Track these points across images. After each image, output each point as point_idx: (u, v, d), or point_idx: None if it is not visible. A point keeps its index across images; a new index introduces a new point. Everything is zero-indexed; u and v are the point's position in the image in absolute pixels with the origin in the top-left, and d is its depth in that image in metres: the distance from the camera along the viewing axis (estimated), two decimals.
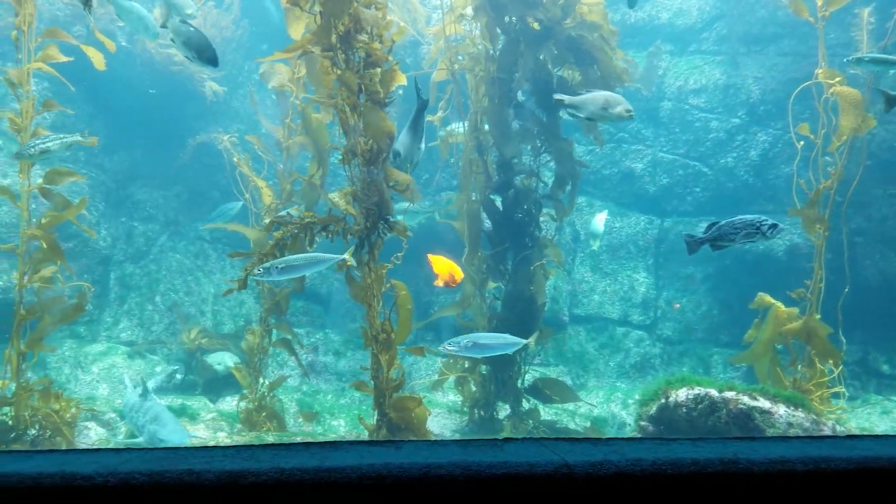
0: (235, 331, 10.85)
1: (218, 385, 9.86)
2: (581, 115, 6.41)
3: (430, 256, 7.26)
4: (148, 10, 6.37)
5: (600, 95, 6.41)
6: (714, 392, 6.76)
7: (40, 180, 6.22)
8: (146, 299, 11.20)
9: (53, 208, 6.19)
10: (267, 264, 5.80)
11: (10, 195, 6.24)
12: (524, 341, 6.73)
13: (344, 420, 9.25)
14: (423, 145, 6.19)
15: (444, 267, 7.10)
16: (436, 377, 8.77)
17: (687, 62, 12.05)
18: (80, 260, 10.37)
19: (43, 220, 6.16)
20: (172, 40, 5.63)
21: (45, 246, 5.98)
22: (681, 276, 11.53)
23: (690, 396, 6.76)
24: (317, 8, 5.68)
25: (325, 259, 5.95)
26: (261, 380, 8.25)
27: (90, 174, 10.94)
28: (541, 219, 8.53)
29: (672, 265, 11.59)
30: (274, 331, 8.38)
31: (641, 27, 12.29)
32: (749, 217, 5.72)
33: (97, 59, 6.40)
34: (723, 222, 5.76)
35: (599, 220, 10.24)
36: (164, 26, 5.73)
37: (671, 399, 6.83)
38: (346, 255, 5.92)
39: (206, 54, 5.60)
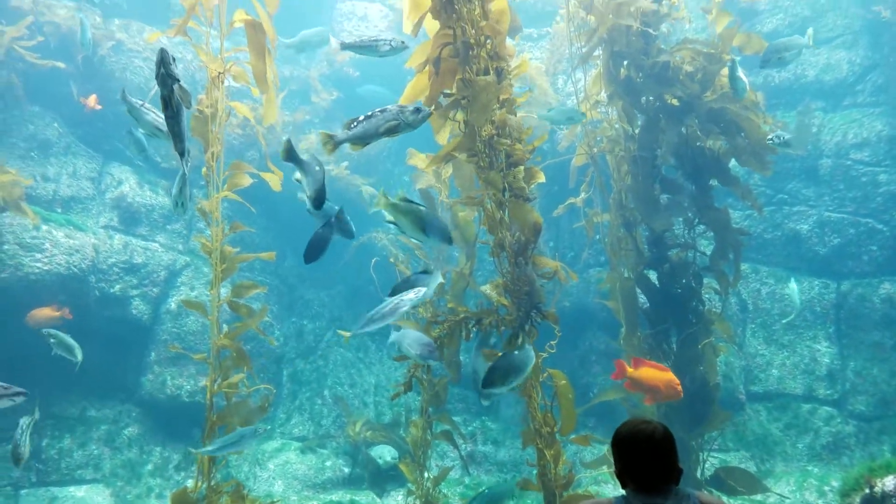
0: (394, 418, 11.09)
1: (382, 479, 10.07)
2: None
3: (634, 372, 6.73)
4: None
5: None
6: None
7: (228, 294, 6.93)
8: (315, 394, 11.85)
9: (240, 318, 6.86)
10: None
11: (202, 309, 6.97)
12: None
13: None
14: None
15: (654, 378, 6.71)
16: (604, 467, 8.39)
17: (842, 117, 11.33)
18: (257, 360, 11.22)
19: (231, 330, 6.81)
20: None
21: (234, 354, 6.59)
22: (868, 344, 10.40)
23: None
24: (460, 117, 6.04)
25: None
26: (425, 474, 8.32)
27: (265, 280, 11.99)
28: (703, 292, 8.15)
29: (856, 332, 10.50)
30: (434, 421, 8.47)
31: (787, 87, 11.77)
32: None
33: (274, 182, 7.15)
34: None
35: (792, 291, 9.73)
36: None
37: (877, 489, 6.06)
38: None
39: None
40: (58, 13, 11.20)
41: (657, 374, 6.62)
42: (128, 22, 11.87)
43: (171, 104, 3.87)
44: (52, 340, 8.30)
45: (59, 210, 10.85)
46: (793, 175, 11.26)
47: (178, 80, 3.84)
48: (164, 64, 3.80)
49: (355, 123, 4.97)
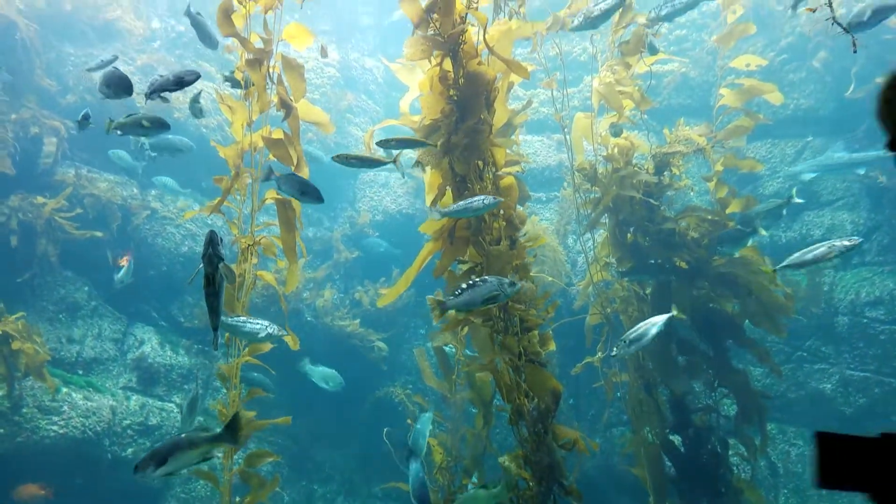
0: None
1: None
2: None
3: None
4: None
5: None
6: None
7: (241, 464, 6.82)
8: None
9: (251, 489, 6.70)
10: None
11: (214, 480, 6.82)
12: None
13: None
14: None
15: None
16: None
17: (853, 275, 11.47)
18: None
19: (241, 503, 6.62)
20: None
21: None
22: None
23: None
24: None
25: None
26: None
27: (277, 440, 11.74)
28: (730, 456, 7.87)
29: None
30: None
31: (794, 246, 11.97)
32: None
33: (292, 342, 7.29)
34: None
35: None
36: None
37: None
38: None
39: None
40: (98, 186, 12.00)
41: None
42: (163, 192, 12.65)
43: (214, 282, 4.12)
44: None
45: (81, 371, 10.96)
46: (810, 332, 11.21)
47: (223, 260, 4.10)
48: (212, 244, 4.09)
49: (459, 292, 5.44)
